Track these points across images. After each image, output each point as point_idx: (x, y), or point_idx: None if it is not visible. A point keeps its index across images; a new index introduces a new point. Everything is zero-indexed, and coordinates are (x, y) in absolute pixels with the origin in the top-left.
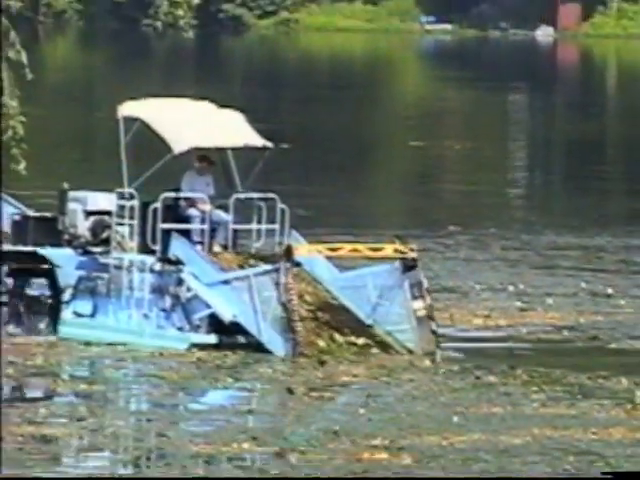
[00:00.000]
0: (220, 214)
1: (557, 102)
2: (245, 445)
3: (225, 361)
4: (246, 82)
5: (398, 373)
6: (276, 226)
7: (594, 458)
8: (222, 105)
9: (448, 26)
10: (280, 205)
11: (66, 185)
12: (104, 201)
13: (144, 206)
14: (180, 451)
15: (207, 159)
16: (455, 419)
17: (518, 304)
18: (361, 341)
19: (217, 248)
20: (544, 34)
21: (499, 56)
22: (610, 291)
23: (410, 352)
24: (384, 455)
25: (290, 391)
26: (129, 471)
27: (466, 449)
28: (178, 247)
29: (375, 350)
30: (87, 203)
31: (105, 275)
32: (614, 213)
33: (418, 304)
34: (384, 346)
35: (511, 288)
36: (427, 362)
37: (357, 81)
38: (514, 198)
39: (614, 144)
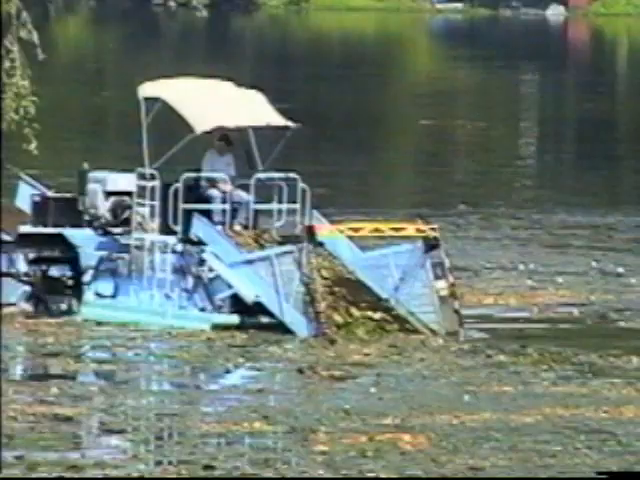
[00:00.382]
0: (241, 194)
1: (568, 81)
2: (256, 424)
3: (234, 340)
4: (257, 61)
5: (409, 352)
6: (297, 206)
7: (605, 437)
8: (238, 84)
9: (459, 5)
10: (301, 185)
11: (86, 165)
12: (124, 182)
13: (165, 187)
14: (191, 430)
15: (226, 138)
16: (466, 398)
17: (529, 283)
18: (378, 316)
19: (238, 228)
20: (555, 13)
21: (510, 35)
22: (621, 270)
23: (433, 332)
24: (396, 434)
25: (300, 371)
26: (140, 449)
27: (477, 428)
28: (200, 227)
29: (392, 326)
30: (107, 184)
31: (126, 256)
32: (625, 192)
33: (441, 284)
34: (401, 321)
35: (522, 267)
36: (439, 341)
37: (368, 60)
38: (525, 177)
39: (625, 123)
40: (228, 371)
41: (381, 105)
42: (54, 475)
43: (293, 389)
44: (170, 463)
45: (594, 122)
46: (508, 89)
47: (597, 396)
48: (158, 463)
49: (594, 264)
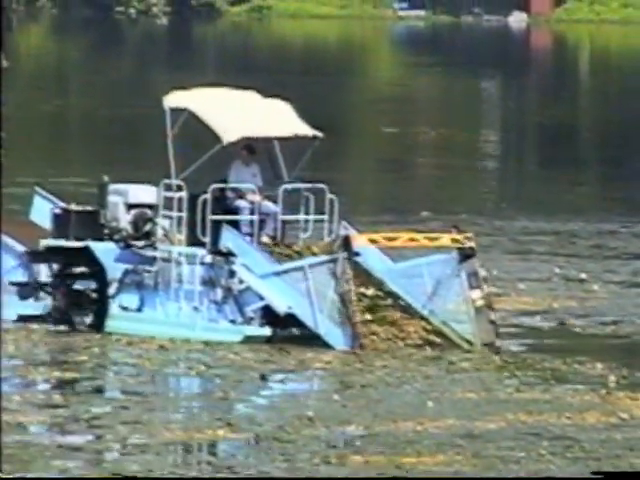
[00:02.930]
0: (269, 205)
1: (530, 87)
2: (220, 432)
3: (192, 347)
4: (219, 69)
5: (370, 359)
6: (325, 217)
7: (568, 443)
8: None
9: (421, 12)
10: (329, 195)
11: (106, 178)
12: (145, 194)
13: (192, 198)
14: (155, 438)
15: (249, 147)
16: (430, 405)
17: (491, 289)
18: (412, 327)
19: (265, 239)
20: (517, 19)
21: (472, 42)
22: (583, 276)
23: (469, 343)
24: (358, 442)
25: (263, 377)
26: (103, 457)
27: (441, 434)
28: (229, 238)
29: (427, 336)
30: (128, 196)
31: (152, 268)
32: (587, 198)
33: (476, 294)
34: (436, 332)
35: (484, 273)
36: (403, 349)
37: (330, 68)
38: (487, 184)
39: (587, 129)
40: (189, 378)
41: (343, 112)
42: (53, 476)
43: (256, 396)
44: (133, 470)
45: (556, 128)
46: (470, 96)
47: (560, 402)
48: (121, 470)
49: (557, 270)
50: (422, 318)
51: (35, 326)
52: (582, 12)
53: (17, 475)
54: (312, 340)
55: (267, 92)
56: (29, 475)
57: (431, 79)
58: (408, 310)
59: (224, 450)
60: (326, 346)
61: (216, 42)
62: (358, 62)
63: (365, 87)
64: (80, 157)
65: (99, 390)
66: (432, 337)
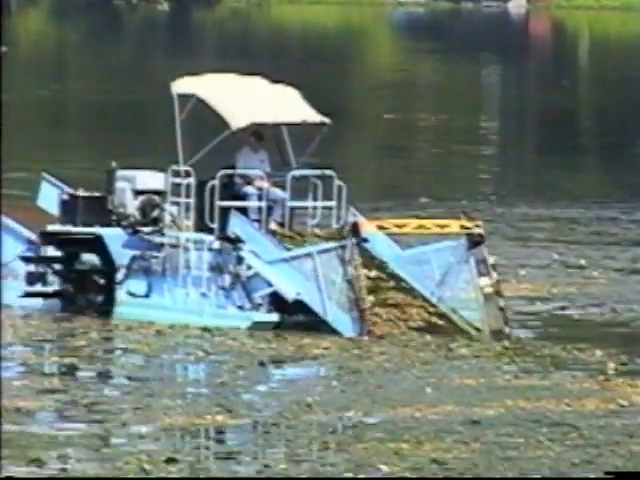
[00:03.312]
0: (277, 191)
1: (530, 74)
2: (219, 417)
3: (189, 334)
4: (219, 55)
5: (368, 345)
6: (333, 203)
7: (567, 429)
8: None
9: None
10: (337, 182)
11: (114, 164)
12: (153, 180)
13: (200, 184)
14: (154, 423)
15: (257, 134)
16: (428, 391)
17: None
18: (421, 314)
19: (273, 225)
20: (516, 6)
21: (472, 28)
22: (583, 262)
23: (477, 330)
24: (356, 428)
25: (262, 363)
26: (102, 443)
27: (439, 421)
28: (237, 225)
29: (436, 323)
30: (136, 182)
31: (160, 254)
32: (587, 184)
33: (485, 281)
34: (444, 319)
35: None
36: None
37: (330, 54)
38: (487, 170)
39: (586, 115)
40: (188, 364)
41: (343, 98)
42: (52, 475)
43: (255, 382)
44: (132, 455)
45: (556, 115)
46: (470, 82)
47: (559, 389)
48: (120, 455)
49: (556, 257)
50: (425, 300)
51: (35, 311)
52: None
53: (17, 475)
54: (318, 326)
55: (266, 78)
56: (28, 475)
57: (431, 65)
58: (410, 292)
59: (223, 436)
60: (323, 332)
61: (216, 28)
62: (358, 48)
63: (365, 73)
64: (81, 142)
65: (98, 375)
66: (435, 319)
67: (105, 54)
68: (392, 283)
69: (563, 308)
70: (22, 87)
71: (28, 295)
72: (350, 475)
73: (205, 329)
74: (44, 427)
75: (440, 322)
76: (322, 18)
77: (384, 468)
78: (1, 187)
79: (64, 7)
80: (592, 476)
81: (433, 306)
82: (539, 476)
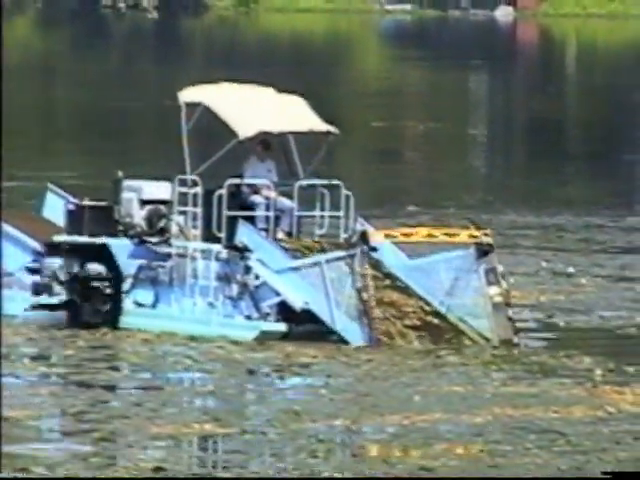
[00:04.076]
0: (284, 201)
1: (517, 81)
2: (207, 426)
3: (176, 342)
4: (207, 63)
5: (356, 353)
6: (340, 213)
7: (555, 436)
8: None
9: (408, 6)
10: (345, 191)
11: (120, 174)
12: (160, 190)
13: (207, 193)
14: (141, 432)
15: (265, 143)
16: (416, 398)
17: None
18: (429, 323)
19: (281, 235)
20: (504, 13)
21: (459, 36)
22: (571, 270)
23: (486, 340)
24: (345, 436)
25: (251, 372)
26: (89, 451)
27: (427, 428)
28: (245, 234)
29: (444, 333)
30: (142, 192)
31: (167, 264)
32: (574, 192)
33: (494, 290)
34: (453, 329)
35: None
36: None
37: (318, 62)
38: (474, 177)
39: (574, 123)
40: (176, 373)
41: (331, 106)
42: (51, 475)
43: (243, 391)
44: (120, 464)
45: (543, 122)
46: (457, 89)
47: (547, 396)
48: (108, 465)
49: (544, 264)
50: (420, 299)
51: (33, 320)
52: (568, 6)
53: (17, 475)
54: (325, 336)
55: (259, 85)
56: (27, 475)
57: (418, 73)
58: (406, 291)
59: (212, 444)
60: (308, 340)
61: (204, 36)
62: (345, 56)
63: (352, 81)
64: (72, 150)
65: (85, 384)
66: (430, 318)
67: (94, 62)
68: (388, 282)
69: (551, 315)
70: (10, 95)
71: (35, 308)
72: (350, 475)
73: (192, 337)
74: (31, 436)
75: (435, 321)
76: (310, 26)
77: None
78: (1, 196)
79: (51, 15)
80: (592, 476)
81: (428, 305)
82: (539, 476)
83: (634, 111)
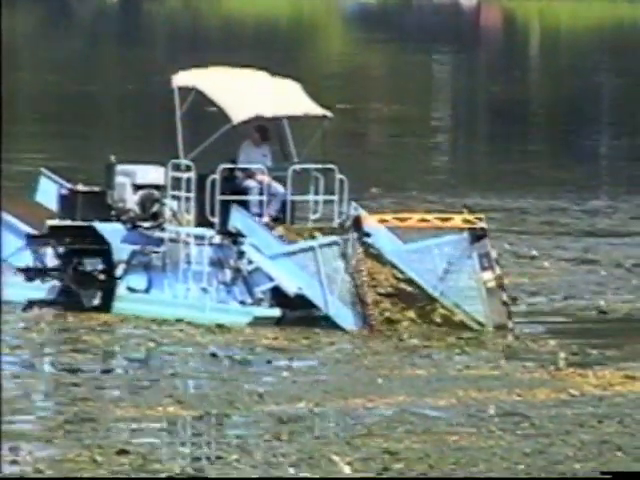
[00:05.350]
0: (276, 186)
1: (481, 65)
2: (170, 409)
3: (137, 324)
4: (171, 47)
5: (317, 336)
6: (335, 197)
7: (518, 419)
8: (151, 71)
9: None
10: (339, 176)
11: (113, 158)
12: (153, 174)
13: (201, 178)
14: (105, 414)
15: (263, 129)
16: (379, 382)
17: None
18: (422, 308)
19: (266, 219)
20: None
21: (423, 20)
22: (534, 253)
23: (480, 325)
24: (308, 419)
25: (213, 355)
26: (53, 434)
27: (391, 411)
28: (238, 219)
29: (437, 318)
30: (136, 177)
31: (160, 249)
32: (538, 175)
33: (487, 275)
34: (446, 313)
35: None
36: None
37: (282, 44)
38: (438, 160)
39: (537, 106)
40: (139, 355)
41: None
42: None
43: (206, 373)
44: (84, 447)
45: (507, 105)
46: (421, 73)
47: (510, 379)
48: (71, 447)
49: (507, 247)
50: (393, 267)
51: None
52: None
53: (17, 475)
54: (321, 321)
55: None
56: (27, 475)
57: (383, 56)
58: (379, 258)
59: (175, 427)
60: (274, 323)
61: (167, 20)
62: (309, 39)
63: (317, 63)
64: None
65: (49, 367)
66: (403, 285)
67: (56, 46)
68: (360, 249)
69: (514, 298)
70: None
71: (31, 303)
72: (351, 475)
73: (153, 320)
74: None
75: (408, 288)
76: (274, 9)
77: (336, 458)
78: (1, 185)
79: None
80: (592, 476)
81: (402, 272)
82: (539, 476)
83: (597, 94)
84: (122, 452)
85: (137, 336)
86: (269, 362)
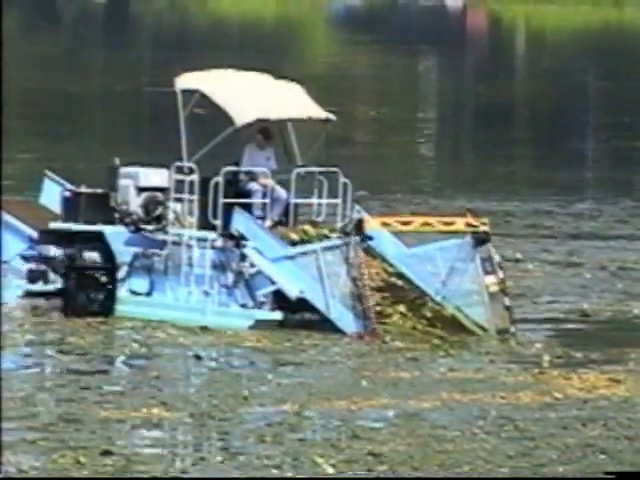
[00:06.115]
0: (279, 190)
1: (466, 67)
2: (155, 410)
3: (121, 326)
4: (156, 46)
5: (300, 338)
6: (338, 200)
7: (502, 422)
8: (134, 72)
9: None
10: (342, 179)
11: (117, 161)
12: (156, 177)
13: (204, 181)
14: (89, 416)
15: (266, 132)
16: (363, 384)
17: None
18: (424, 313)
19: (268, 223)
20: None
21: (409, 22)
22: (519, 256)
23: (482, 329)
24: (293, 420)
25: (198, 357)
26: (37, 435)
27: (375, 413)
28: (241, 222)
29: (439, 322)
30: (139, 179)
31: (162, 252)
32: (522, 178)
33: (490, 279)
34: (448, 318)
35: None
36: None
37: (268, 45)
38: (423, 163)
39: (523, 109)
40: (123, 357)
41: None
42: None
43: (190, 375)
44: (68, 448)
45: (492, 108)
46: (407, 75)
47: (494, 381)
48: (55, 448)
49: (492, 250)
50: (383, 260)
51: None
52: None
53: (17, 475)
54: (323, 324)
55: (203, 69)
56: (27, 475)
57: (369, 58)
58: (369, 252)
59: (159, 429)
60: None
61: (154, 20)
62: (295, 40)
63: (302, 65)
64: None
65: (33, 368)
66: (393, 280)
67: (40, 46)
68: (362, 253)
69: None
70: None
71: (29, 294)
72: (351, 475)
73: (137, 321)
74: None
75: (399, 282)
76: (260, 9)
77: (320, 460)
78: (1, 187)
79: None
80: (592, 476)
81: (392, 266)
82: (539, 476)
83: (582, 97)
84: (106, 453)
85: (121, 338)
86: (253, 364)
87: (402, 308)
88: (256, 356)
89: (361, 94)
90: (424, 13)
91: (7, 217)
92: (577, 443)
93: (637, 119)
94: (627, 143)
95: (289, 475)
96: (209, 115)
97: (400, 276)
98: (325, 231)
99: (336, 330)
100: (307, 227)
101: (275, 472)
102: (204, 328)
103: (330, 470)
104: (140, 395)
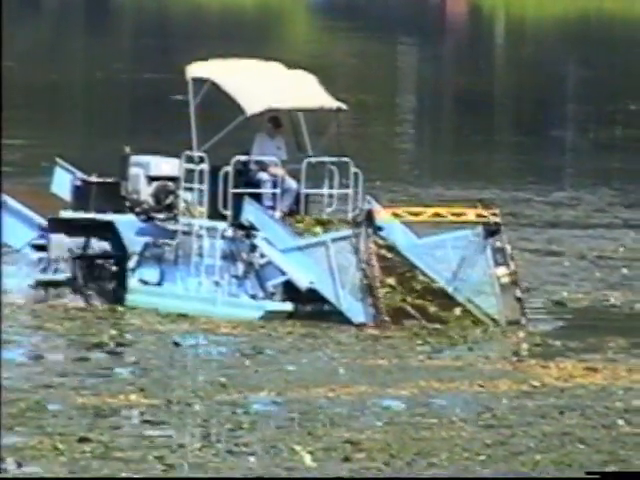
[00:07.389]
0: (289, 180)
1: (446, 55)
2: (132, 397)
3: (101, 315)
4: (139, 35)
5: (275, 325)
6: (349, 191)
7: (480, 410)
8: (116, 58)
9: None
10: (353, 169)
11: (128, 149)
12: (167, 166)
13: (214, 170)
14: (66, 402)
15: (275, 120)
16: (341, 371)
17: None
18: (435, 303)
19: (278, 215)
20: None
21: (389, 9)
22: (498, 244)
23: (493, 320)
24: (270, 408)
25: (176, 344)
26: (14, 422)
27: (353, 401)
28: (251, 212)
29: (450, 313)
30: (150, 168)
31: (173, 242)
32: (502, 166)
33: (502, 270)
34: (459, 309)
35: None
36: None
37: (248, 33)
38: (402, 151)
39: (501, 97)
40: (100, 343)
41: None
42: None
43: (168, 362)
44: (45, 434)
45: (471, 96)
46: (387, 62)
47: (472, 370)
48: (32, 434)
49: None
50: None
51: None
52: None
53: (17, 475)
54: (332, 315)
55: (187, 58)
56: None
57: (349, 45)
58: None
59: (136, 415)
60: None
61: (133, 8)
62: (276, 28)
63: (282, 52)
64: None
65: (10, 354)
66: (383, 252)
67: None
68: (372, 244)
69: None
70: None
71: (39, 284)
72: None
73: (113, 310)
74: None
75: (389, 255)
76: None
77: (297, 448)
78: (1, 173)
79: None
80: (579, 476)
81: (383, 239)
82: (539, 476)
83: (561, 85)
84: (83, 440)
85: (99, 324)
86: (230, 351)
87: (391, 281)
88: (233, 343)
89: (341, 81)
90: (404, 1)
91: (17, 205)
92: (554, 431)
93: (616, 108)
94: (606, 132)
95: (276, 470)
96: (219, 103)
97: (390, 249)
98: (333, 227)
99: (346, 321)
100: (315, 227)
101: (252, 459)
102: (182, 315)
103: (307, 458)
104: (118, 381)
